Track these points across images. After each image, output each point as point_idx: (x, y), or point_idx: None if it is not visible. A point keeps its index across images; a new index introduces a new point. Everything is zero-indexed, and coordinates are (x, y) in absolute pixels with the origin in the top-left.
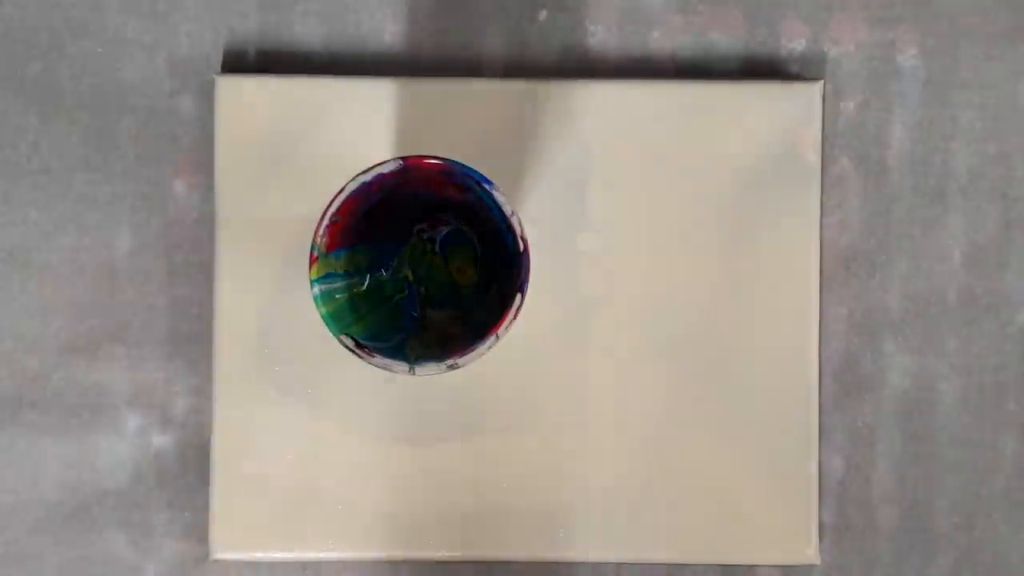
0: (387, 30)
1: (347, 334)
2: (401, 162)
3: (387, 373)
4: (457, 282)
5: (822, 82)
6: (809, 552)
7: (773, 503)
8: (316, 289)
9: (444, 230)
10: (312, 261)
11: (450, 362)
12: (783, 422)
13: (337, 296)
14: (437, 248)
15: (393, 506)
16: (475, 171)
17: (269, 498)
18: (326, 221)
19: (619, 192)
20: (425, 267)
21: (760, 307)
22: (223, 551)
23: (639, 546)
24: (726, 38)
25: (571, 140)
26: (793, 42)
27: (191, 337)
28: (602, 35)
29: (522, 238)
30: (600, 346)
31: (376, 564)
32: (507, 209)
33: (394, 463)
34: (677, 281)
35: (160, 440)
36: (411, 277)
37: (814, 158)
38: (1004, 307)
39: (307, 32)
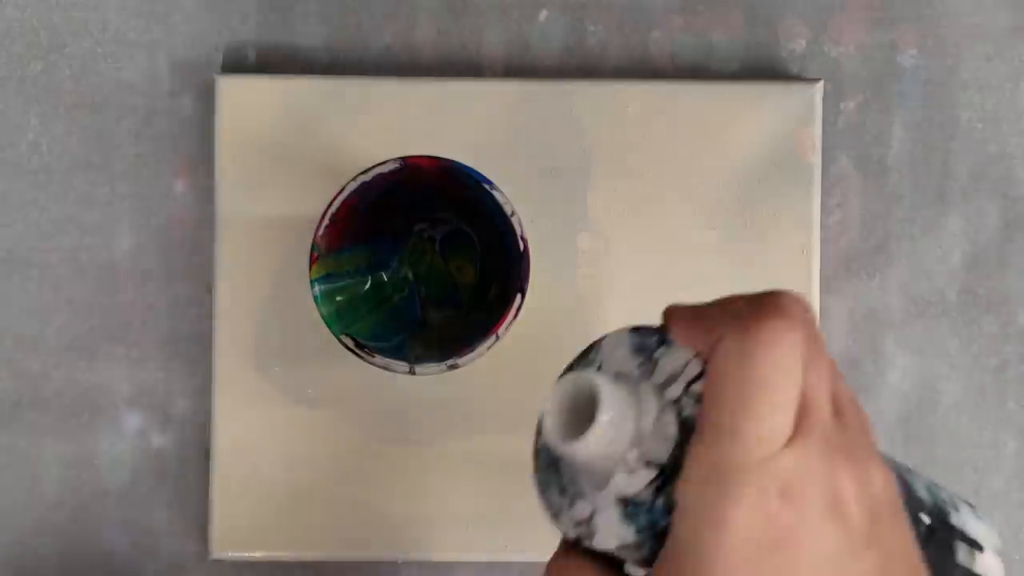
0: (387, 30)
1: (347, 334)
2: (401, 162)
3: (387, 373)
4: (457, 282)
5: (822, 82)
6: None
7: None
8: (316, 289)
9: (444, 229)
10: (312, 261)
11: (450, 362)
12: None
13: (337, 296)
14: (437, 248)
15: (393, 506)
16: (475, 171)
17: (269, 498)
18: (326, 221)
19: (619, 192)
20: (425, 267)
21: None
22: (223, 551)
23: None
24: (726, 38)
25: (571, 140)
26: (793, 42)
27: (191, 337)
28: (602, 35)
29: (522, 238)
30: None
31: (376, 564)
32: (507, 209)
33: (394, 463)
34: (677, 281)
35: (160, 440)
36: (411, 277)
37: (814, 158)
38: (1004, 307)
39: (307, 32)
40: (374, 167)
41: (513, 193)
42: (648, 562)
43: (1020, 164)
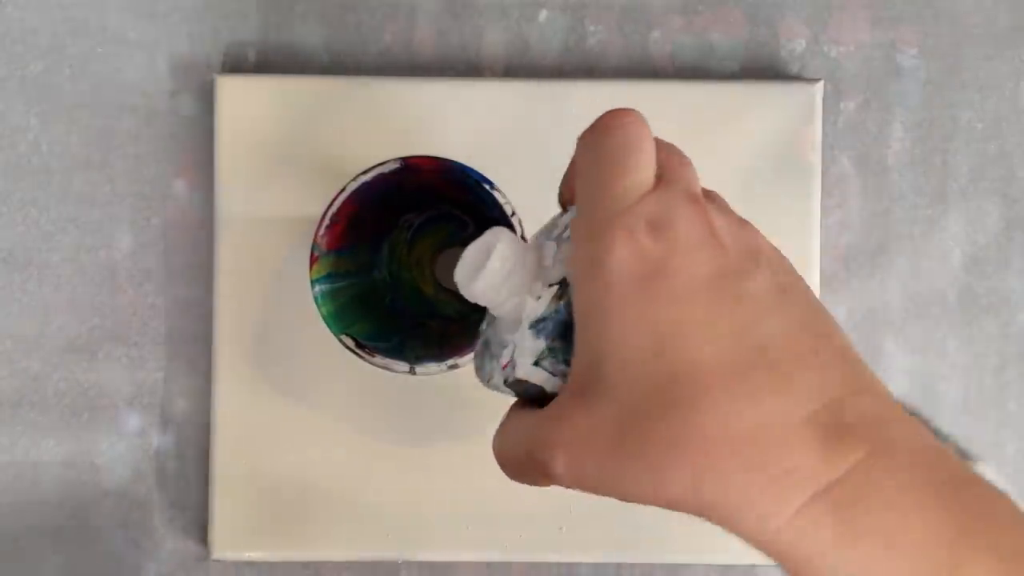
0: (387, 30)
1: (348, 334)
2: (401, 162)
3: (387, 373)
4: (421, 288)
5: (822, 82)
6: None
7: None
8: (316, 289)
9: (425, 216)
10: (312, 261)
11: (450, 362)
12: None
13: (338, 296)
14: (409, 235)
15: (393, 506)
16: (475, 171)
17: (269, 498)
18: (327, 221)
19: None
20: (396, 267)
21: None
22: (223, 551)
23: (639, 546)
24: (726, 38)
25: (571, 140)
26: (793, 42)
27: (191, 337)
28: (602, 35)
29: (523, 238)
30: None
31: (376, 564)
32: (507, 209)
33: (394, 463)
34: None
35: (160, 440)
36: (388, 278)
37: (814, 158)
38: (1004, 307)
39: (307, 32)
40: (374, 167)
41: (513, 193)
42: (569, 364)
43: (1020, 164)
